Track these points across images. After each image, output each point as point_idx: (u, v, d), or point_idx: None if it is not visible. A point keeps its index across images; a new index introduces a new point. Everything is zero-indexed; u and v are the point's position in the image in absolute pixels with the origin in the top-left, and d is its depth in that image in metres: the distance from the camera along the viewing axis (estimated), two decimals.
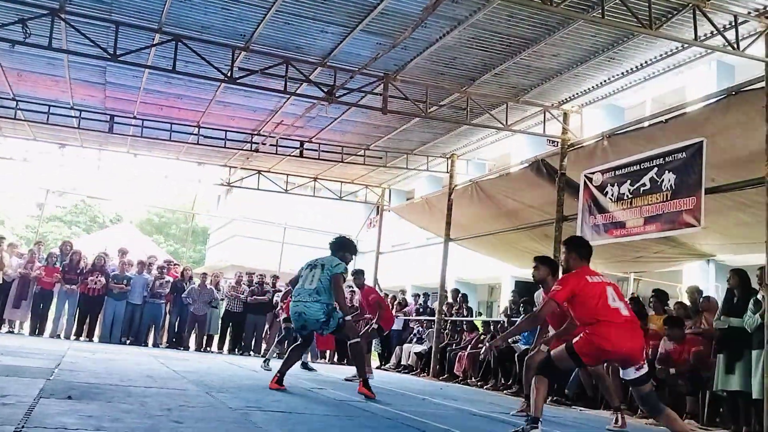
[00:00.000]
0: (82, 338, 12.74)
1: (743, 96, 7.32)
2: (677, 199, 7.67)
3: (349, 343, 6.53)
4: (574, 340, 4.63)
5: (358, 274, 9.51)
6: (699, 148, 7.45)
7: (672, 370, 7.42)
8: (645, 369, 4.54)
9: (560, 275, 5.36)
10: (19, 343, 9.53)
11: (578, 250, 5.02)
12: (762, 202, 6.61)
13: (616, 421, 6.22)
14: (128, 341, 13.02)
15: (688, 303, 8.53)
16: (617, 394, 6.56)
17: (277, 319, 12.83)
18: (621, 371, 4.69)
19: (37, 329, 12.66)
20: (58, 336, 12.66)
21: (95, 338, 12.98)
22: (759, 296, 6.35)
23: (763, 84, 6.83)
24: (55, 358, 7.50)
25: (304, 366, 10.02)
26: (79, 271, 12.93)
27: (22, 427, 3.19)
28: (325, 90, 9.80)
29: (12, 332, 12.44)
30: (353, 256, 6.98)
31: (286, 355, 6.89)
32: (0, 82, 11.54)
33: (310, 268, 6.55)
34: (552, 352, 4.88)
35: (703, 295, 8.37)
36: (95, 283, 12.79)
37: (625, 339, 4.52)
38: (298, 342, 6.91)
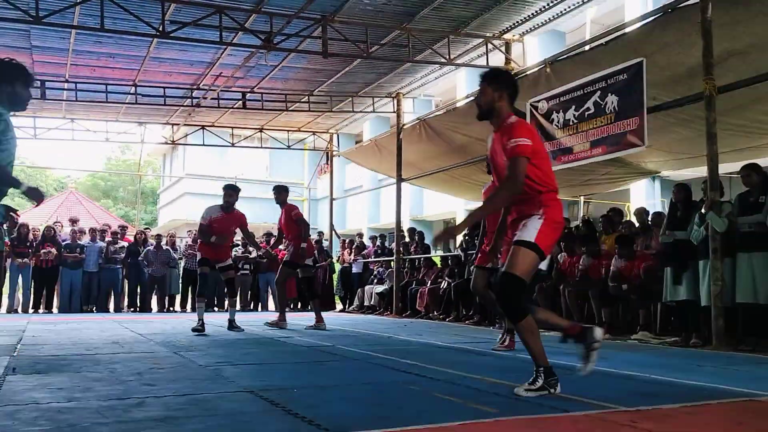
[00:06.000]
0: (40, 310, 12.56)
1: (679, 12, 7.39)
2: (621, 121, 7.80)
3: None
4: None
5: (281, 189, 8.80)
6: (639, 69, 7.55)
7: (624, 286, 7.73)
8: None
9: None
10: None
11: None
12: (702, 117, 6.79)
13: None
14: (90, 309, 12.89)
15: (636, 224, 8.81)
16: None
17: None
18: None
19: None
20: (16, 311, 12.45)
21: (54, 309, 12.85)
22: (702, 209, 6.56)
23: None
24: (15, 333, 7.39)
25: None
26: (28, 244, 12.63)
27: None
28: (263, 37, 9.56)
29: None
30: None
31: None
32: None
33: None
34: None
35: (653, 212, 8.65)
36: (48, 255, 12.54)
37: None
38: None
